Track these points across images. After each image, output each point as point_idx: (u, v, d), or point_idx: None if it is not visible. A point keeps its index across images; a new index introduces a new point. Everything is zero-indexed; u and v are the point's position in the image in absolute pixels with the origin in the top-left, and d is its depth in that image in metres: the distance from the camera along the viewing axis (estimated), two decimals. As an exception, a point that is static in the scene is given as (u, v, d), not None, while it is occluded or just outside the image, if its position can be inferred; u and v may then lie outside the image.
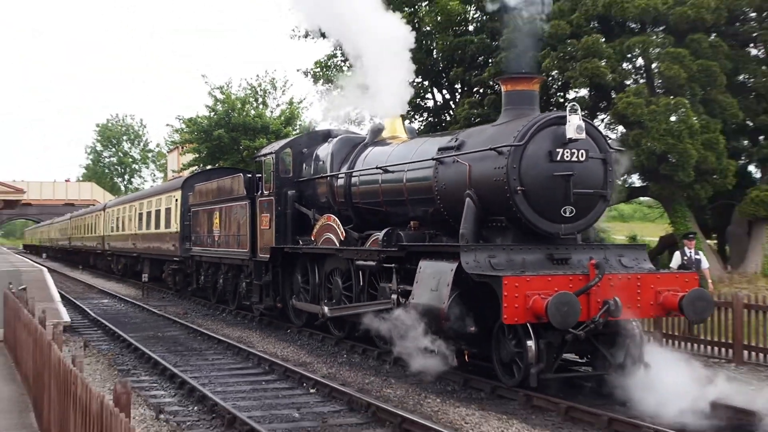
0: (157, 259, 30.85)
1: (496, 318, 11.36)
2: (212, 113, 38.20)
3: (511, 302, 10.49)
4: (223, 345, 16.60)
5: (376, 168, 14.94)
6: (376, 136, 16.43)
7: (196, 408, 10.84)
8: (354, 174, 15.92)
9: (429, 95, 36.73)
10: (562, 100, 30.32)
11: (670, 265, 16.36)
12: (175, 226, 27.12)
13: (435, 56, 33.97)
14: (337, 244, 15.84)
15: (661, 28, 27.88)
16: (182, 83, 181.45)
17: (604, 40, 27.06)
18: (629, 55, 27.92)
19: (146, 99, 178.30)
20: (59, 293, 24.23)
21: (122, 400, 5.20)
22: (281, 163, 18.48)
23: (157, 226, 29.93)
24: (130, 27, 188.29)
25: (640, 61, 28.82)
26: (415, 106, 35.71)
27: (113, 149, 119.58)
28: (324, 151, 17.41)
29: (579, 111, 11.58)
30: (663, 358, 11.04)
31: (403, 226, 14.17)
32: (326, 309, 15.98)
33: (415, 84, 29.57)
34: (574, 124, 11.44)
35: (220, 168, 31.02)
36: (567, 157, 11.70)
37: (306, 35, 34.31)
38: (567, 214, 11.83)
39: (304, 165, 18.34)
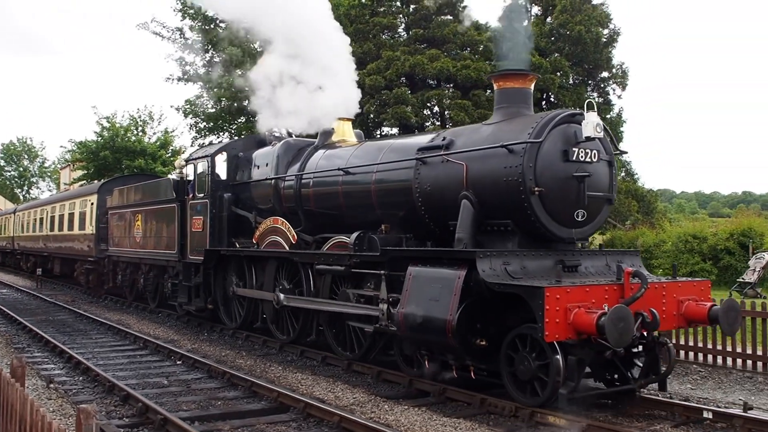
0: (68, 259, 25.36)
1: (507, 330, 7.91)
2: (99, 138, 36.13)
3: (552, 317, 6.97)
4: (105, 326, 15.35)
5: (338, 169, 11.04)
6: (327, 139, 12.50)
7: (81, 378, 10.03)
8: (305, 176, 11.92)
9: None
10: (377, 136, 30.25)
11: None
12: (90, 228, 22.00)
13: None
14: (287, 247, 11.84)
15: (451, 85, 29.26)
16: (76, 110, 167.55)
17: (410, 92, 28.37)
18: (428, 104, 29.50)
19: (45, 122, 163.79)
20: (-38, 285, 21.60)
21: (18, 372, 5.07)
22: (216, 166, 14.26)
23: (71, 228, 24.52)
24: (33, 62, 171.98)
25: (436, 109, 30.42)
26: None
27: (14, 165, 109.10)
28: (266, 154, 13.29)
29: (595, 108, 8.24)
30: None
31: (366, 229, 10.36)
32: (282, 296, 11.58)
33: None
34: (593, 122, 8.08)
35: (138, 174, 26.18)
36: (582, 157, 8.32)
37: (179, 79, 32.15)
38: (579, 218, 8.42)
39: (240, 168, 14.18)
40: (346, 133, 12.54)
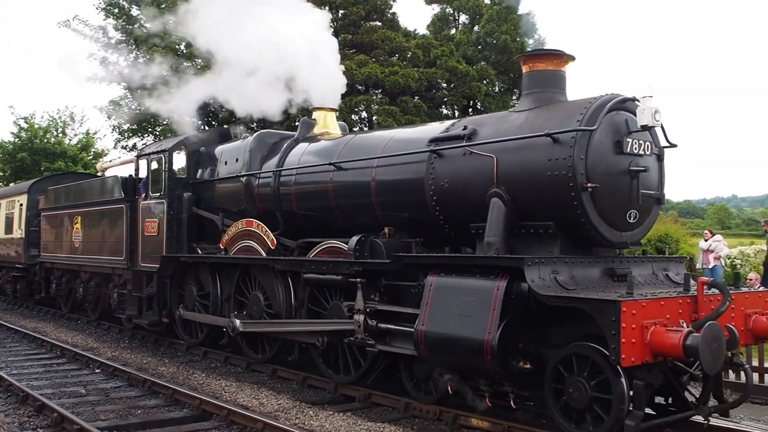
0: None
1: (556, 349, 6.69)
2: (17, 139, 34.79)
3: (629, 336, 5.76)
4: (20, 334, 14.60)
5: (328, 164, 9.59)
6: (309, 131, 11.02)
7: (-7, 389, 9.45)
8: (285, 172, 10.41)
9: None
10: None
11: None
12: (19, 232, 19.68)
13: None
14: (263, 254, 10.31)
15: (379, 91, 29.09)
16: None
17: (338, 96, 27.96)
18: (356, 109, 28.80)
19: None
20: None
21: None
22: (174, 162, 12.57)
23: (-6, 231, 22.09)
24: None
25: (364, 114, 29.99)
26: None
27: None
28: (236, 148, 11.69)
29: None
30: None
31: (362, 232, 8.92)
32: (237, 322, 10.26)
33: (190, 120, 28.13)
34: (651, 108, 6.92)
35: (75, 173, 24.05)
36: (635, 149, 7.18)
37: (102, 80, 29.90)
38: (631, 220, 7.26)
39: (201, 165, 12.55)
40: (330, 124, 11.13)
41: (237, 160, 11.39)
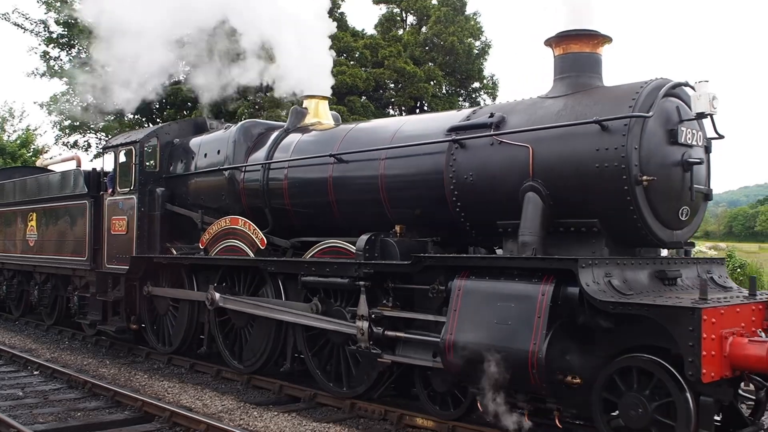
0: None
1: (602, 362, 5.91)
2: None
3: (708, 348, 5.02)
4: None
5: (328, 156, 8.62)
6: (300, 121, 10.03)
7: (-75, 392, 9.06)
8: (276, 165, 9.41)
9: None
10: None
11: None
12: (-36, 231, 18.11)
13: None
14: (251, 254, 9.29)
15: None
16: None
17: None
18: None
19: None
20: None
21: None
22: (145, 155, 11.42)
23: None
24: None
25: None
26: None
27: None
28: (217, 139, 10.60)
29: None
30: None
31: (368, 231, 8.00)
32: (217, 295, 9.52)
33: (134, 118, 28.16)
34: (708, 94, 6.20)
35: (25, 167, 22.43)
36: (688, 139, 6.46)
37: (42, 75, 29.11)
38: (683, 217, 6.53)
39: (175, 158, 11.44)
40: (322, 114, 10.17)
41: (219, 152, 10.33)
